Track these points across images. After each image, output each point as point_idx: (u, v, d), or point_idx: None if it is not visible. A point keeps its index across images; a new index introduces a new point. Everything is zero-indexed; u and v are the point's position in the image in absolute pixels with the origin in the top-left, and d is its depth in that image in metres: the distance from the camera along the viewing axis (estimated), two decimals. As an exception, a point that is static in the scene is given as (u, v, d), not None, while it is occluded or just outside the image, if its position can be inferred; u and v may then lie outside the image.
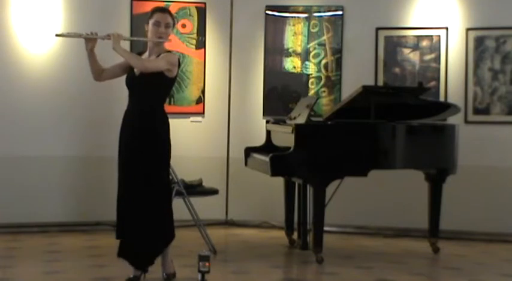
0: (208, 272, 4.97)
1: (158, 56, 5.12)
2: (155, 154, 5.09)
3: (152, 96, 5.11)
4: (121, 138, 5.17)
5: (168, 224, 5.17)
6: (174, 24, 5.26)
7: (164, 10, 5.26)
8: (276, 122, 6.73)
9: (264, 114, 7.71)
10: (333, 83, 7.67)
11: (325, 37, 7.68)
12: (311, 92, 7.68)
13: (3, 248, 6.45)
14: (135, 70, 5.10)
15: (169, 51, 5.20)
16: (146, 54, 5.21)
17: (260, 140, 6.95)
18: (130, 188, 5.09)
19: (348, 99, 6.35)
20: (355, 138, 6.06)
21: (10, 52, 7.26)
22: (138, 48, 6.92)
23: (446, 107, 6.73)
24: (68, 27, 7.31)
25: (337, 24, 7.65)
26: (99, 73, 5.22)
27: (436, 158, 6.37)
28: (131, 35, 7.41)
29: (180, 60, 5.29)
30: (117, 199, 5.17)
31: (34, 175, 7.29)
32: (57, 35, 5.21)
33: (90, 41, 5.08)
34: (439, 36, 7.48)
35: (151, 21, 5.14)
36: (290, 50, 7.75)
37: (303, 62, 7.73)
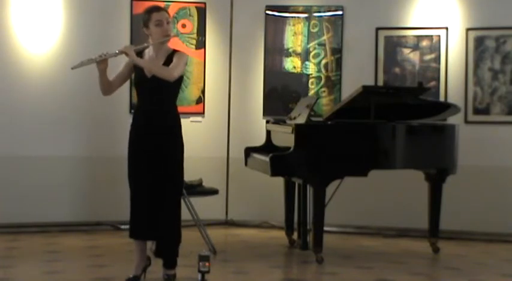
0: (208, 272, 4.98)
1: (168, 54, 5.13)
2: (171, 152, 5.10)
3: (165, 96, 5.12)
4: (133, 138, 5.17)
5: (179, 222, 5.20)
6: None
7: (160, 9, 5.25)
8: (276, 122, 6.73)
9: (264, 114, 7.71)
10: (333, 83, 7.67)
11: (325, 37, 7.68)
12: (311, 92, 7.68)
13: (3, 248, 6.44)
14: (146, 71, 5.11)
15: (175, 50, 5.21)
16: (151, 53, 5.20)
17: (260, 140, 6.95)
18: (146, 187, 5.08)
19: (348, 99, 6.34)
20: (355, 139, 6.05)
21: (10, 52, 7.26)
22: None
23: (446, 107, 6.73)
24: (68, 27, 7.35)
25: (337, 24, 7.65)
26: (109, 87, 5.22)
27: (436, 158, 6.37)
28: (131, 35, 7.45)
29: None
30: (131, 198, 5.16)
31: (34, 175, 7.29)
32: (73, 68, 5.13)
33: (102, 62, 5.08)
34: (439, 36, 7.48)
35: (151, 23, 5.14)
36: (290, 50, 7.75)
37: (303, 62, 7.73)
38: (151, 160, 5.07)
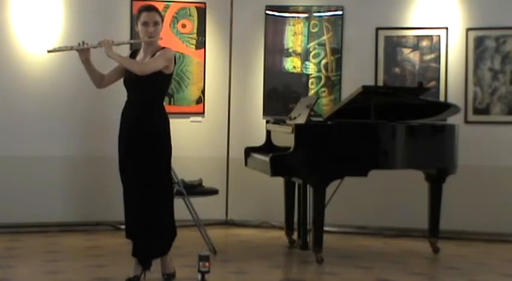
0: (208, 272, 4.97)
1: (153, 54, 5.11)
2: (155, 150, 5.08)
3: (150, 94, 5.10)
4: (120, 136, 5.17)
5: (168, 223, 5.17)
6: (162, 20, 5.21)
7: (150, 9, 5.20)
8: (276, 122, 6.73)
9: (264, 114, 7.71)
10: (333, 83, 7.67)
11: (325, 37, 7.68)
12: (311, 92, 7.68)
13: (3, 248, 6.44)
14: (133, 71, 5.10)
15: (163, 48, 5.18)
16: (141, 54, 5.20)
17: (260, 140, 6.95)
18: (131, 186, 5.09)
19: (348, 99, 6.35)
20: (355, 138, 6.05)
21: (10, 52, 7.26)
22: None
23: (446, 107, 6.73)
24: (68, 27, 7.34)
25: (337, 24, 7.66)
26: (100, 80, 5.22)
27: (436, 158, 6.37)
28: (131, 35, 7.42)
29: (176, 57, 5.29)
30: (124, 198, 5.17)
31: (34, 175, 7.29)
32: (49, 51, 5.15)
33: (83, 52, 5.06)
34: (439, 36, 7.48)
35: (139, 22, 5.12)
36: (290, 50, 7.75)
37: (303, 62, 7.73)
38: (136, 159, 5.06)
